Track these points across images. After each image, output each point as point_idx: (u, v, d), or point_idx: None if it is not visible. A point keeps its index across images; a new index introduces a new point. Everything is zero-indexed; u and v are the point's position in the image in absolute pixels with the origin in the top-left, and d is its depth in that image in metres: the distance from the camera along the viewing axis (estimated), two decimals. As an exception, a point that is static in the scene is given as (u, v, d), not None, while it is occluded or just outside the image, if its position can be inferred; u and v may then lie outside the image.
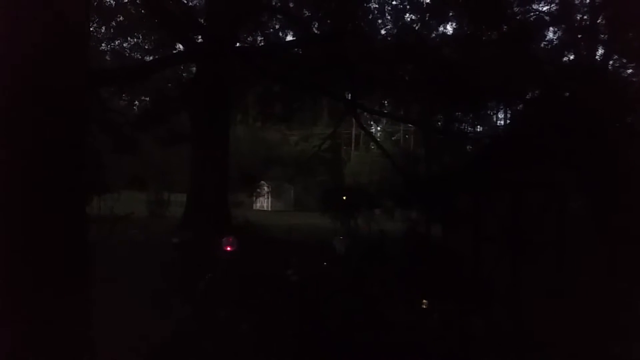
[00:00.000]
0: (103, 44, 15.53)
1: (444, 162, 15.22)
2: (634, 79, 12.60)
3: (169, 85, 17.27)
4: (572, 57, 13.82)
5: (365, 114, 20.66)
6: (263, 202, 32.36)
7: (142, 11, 13.93)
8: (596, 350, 5.59)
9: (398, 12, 14.82)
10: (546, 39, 14.44)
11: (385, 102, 17.62)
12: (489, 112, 15.79)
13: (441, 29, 15.43)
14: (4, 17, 3.17)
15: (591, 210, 8.39)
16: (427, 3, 14.37)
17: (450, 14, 14.06)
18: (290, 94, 16.49)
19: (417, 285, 7.83)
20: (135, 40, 16.02)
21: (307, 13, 14.94)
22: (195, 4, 16.23)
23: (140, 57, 16.53)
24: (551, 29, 14.31)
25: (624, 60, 12.93)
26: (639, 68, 12.71)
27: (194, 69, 16.95)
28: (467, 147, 14.54)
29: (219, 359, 5.20)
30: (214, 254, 7.29)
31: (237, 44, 15.53)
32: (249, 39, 16.48)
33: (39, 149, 3.19)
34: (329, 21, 13.96)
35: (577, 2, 13.50)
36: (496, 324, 6.51)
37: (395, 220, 17.22)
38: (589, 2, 12.99)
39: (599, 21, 12.63)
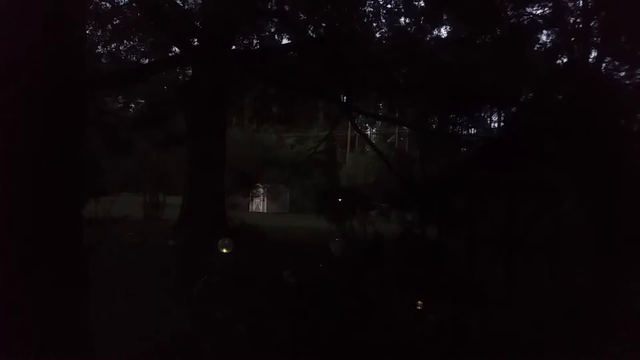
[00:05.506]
0: (99, 47, 15.50)
1: (438, 164, 15.28)
2: (627, 82, 12.72)
3: (165, 87, 17.28)
4: (565, 60, 13.92)
5: (360, 116, 20.73)
6: (259, 204, 32.33)
7: (139, 14, 13.94)
8: (592, 351, 5.64)
9: (393, 16, 14.92)
10: (540, 42, 14.57)
11: (380, 104, 17.71)
12: (483, 114, 15.88)
13: (435, 32, 15.55)
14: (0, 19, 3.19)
15: (586, 212, 8.47)
16: (422, 7, 14.48)
17: (445, 17, 14.16)
18: (286, 96, 16.54)
19: (412, 287, 7.88)
20: (131, 43, 16.00)
21: (302, 16, 15.00)
22: (192, 6, 16.26)
23: (136, 59, 16.53)
24: (545, 31, 14.43)
25: (617, 63, 13.05)
26: (631, 70, 12.83)
27: (190, 71, 16.96)
28: (462, 149, 14.62)
29: (215, 360, 5.24)
30: (210, 256, 7.30)
31: (233, 47, 15.57)
32: (244, 41, 16.53)
33: (35, 151, 3.20)
34: (324, 24, 14.02)
35: (570, 5, 13.61)
36: (491, 326, 6.56)
37: (391, 222, 17.27)
38: (582, 5, 13.11)
39: (592, 24, 12.74)
